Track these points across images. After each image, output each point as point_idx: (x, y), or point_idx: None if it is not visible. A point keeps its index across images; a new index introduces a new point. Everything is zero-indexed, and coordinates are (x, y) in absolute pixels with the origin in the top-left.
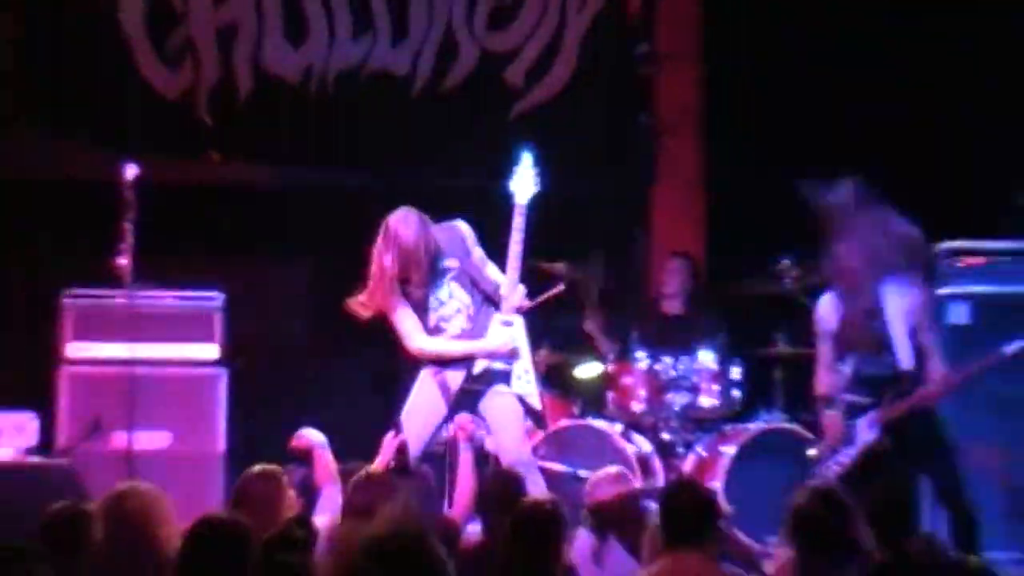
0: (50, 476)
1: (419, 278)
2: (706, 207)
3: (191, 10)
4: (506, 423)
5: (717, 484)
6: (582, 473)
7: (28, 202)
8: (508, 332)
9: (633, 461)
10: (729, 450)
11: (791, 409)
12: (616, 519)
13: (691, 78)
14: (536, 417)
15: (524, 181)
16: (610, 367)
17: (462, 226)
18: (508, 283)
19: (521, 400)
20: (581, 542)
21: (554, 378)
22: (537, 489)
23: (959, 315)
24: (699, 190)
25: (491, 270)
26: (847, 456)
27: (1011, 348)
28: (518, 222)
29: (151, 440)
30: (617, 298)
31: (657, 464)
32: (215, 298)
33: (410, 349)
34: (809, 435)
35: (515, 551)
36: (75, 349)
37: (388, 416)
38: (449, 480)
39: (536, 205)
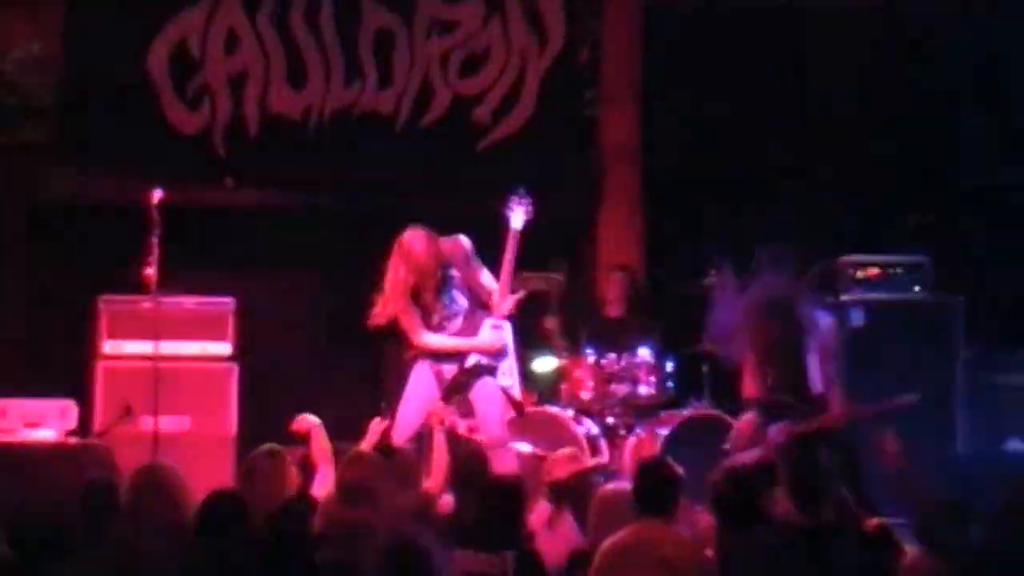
0: (87, 454)
1: (432, 285)
2: (644, 224)
3: (207, 59)
4: (490, 409)
5: None
6: (540, 452)
7: (70, 221)
8: (498, 333)
9: (583, 441)
10: (663, 432)
11: (716, 398)
12: (570, 493)
13: (631, 117)
14: (517, 407)
15: (519, 210)
16: (563, 362)
17: (464, 240)
18: (500, 293)
19: (505, 392)
20: (540, 512)
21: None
22: (508, 464)
23: (856, 319)
24: (638, 210)
25: (485, 277)
26: (751, 455)
27: (907, 399)
28: (511, 244)
29: (173, 424)
30: (569, 303)
31: (603, 444)
32: (228, 303)
33: (415, 343)
34: (731, 420)
35: (483, 518)
36: (109, 346)
37: (374, 404)
38: (426, 459)
39: (497, 223)
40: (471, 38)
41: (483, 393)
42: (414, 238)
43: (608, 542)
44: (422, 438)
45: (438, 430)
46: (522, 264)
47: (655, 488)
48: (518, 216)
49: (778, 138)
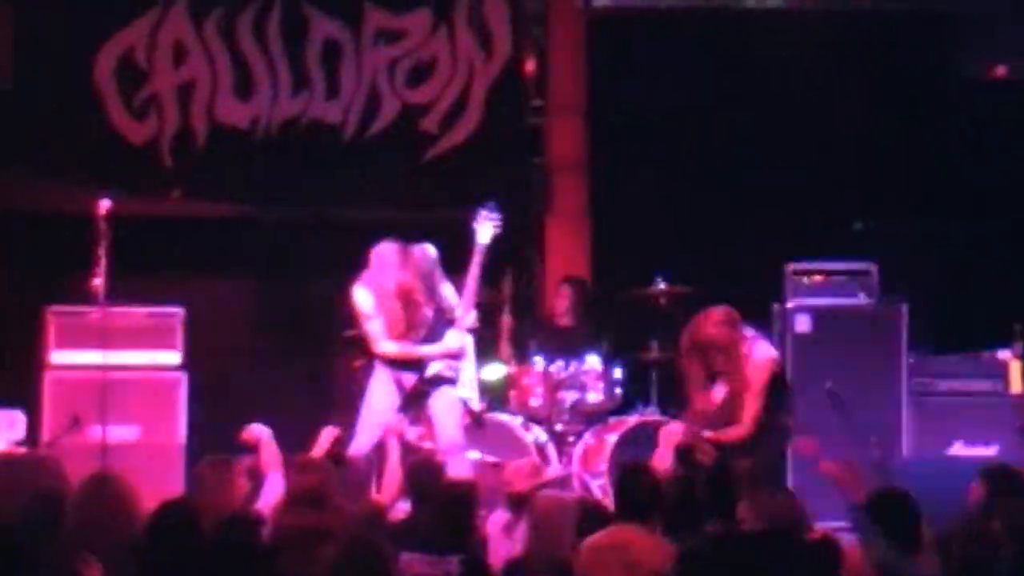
0: (36, 465)
1: (423, 298)
2: (591, 233)
3: (154, 69)
4: (447, 418)
5: (602, 466)
6: (489, 459)
7: (17, 231)
8: (458, 338)
9: (532, 448)
10: (612, 438)
11: (664, 404)
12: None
13: (578, 127)
14: (476, 418)
15: (486, 224)
16: (512, 370)
17: (431, 250)
18: (464, 307)
19: (464, 403)
20: (497, 518)
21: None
22: (464, 471)
23: (802, 325)
24: (585, 220)
25: (447, 290)
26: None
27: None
28: (477, 258)
29: (122, 434)
30: (517, 311)
31: (551, 451)
32: (176, 313)
33: (377, 352)
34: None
35: (433, 523)
36: (57, 356)
37: (323, 413)
38: (378, 470)
39: (446, 232)
40: (418, 48)
41: (442, 402)
42: (388, 250)
43: (587, 542)
44: (378, 447)
45: (393, 443)
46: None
47: (634, 493)
48: (486, 230)
49: (724, 145)
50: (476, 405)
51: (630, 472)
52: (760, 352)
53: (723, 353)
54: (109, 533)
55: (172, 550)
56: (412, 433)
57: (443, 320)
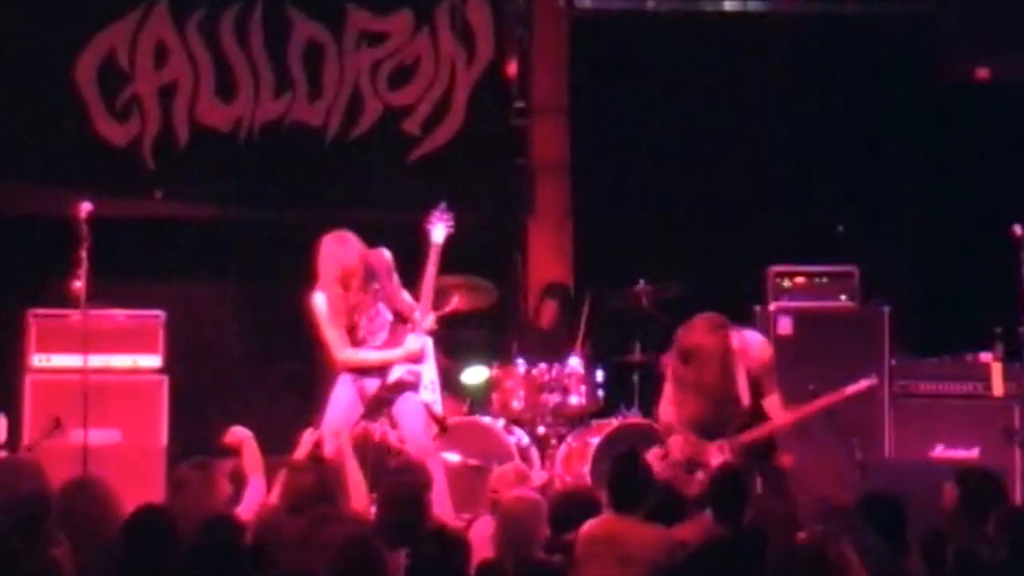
0: (16, 468)
1: (357, 285)
2: (573, 235)
3: (136, 71)
4: (413, 422)
5: (585, 468)
6: (471, 462)
7: None
8: (416, 341)
9: (514, 451)
10: (594, 441)
11: (646, 407)
12: None
13: (560, 128)
14: (439, 422)
15: (440, 225)
16: (494, 372)
17: (386, 254)
18: (422, 309)
19: (427, 407)
20: (482, 525)
21: (445, 382)
22: (437, 474)
23: (784, 327)
24: (567, 221)
25: (404, 294)
26: (703, 475)
27: (852, 388)
28: (433, 258)
29: (103, 437)
30: (499, 314)
31: (534, 453)
32: (158, 316)
33: (336, 359)
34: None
35: (385, 517)
36: (38, 359)
37: (305, 416)
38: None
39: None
40: (400, 49)
41: (405, 407)
42: (337, 238)
43: (582, 531)
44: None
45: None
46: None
47: (627, 483)
48: (439, 231)
49: (707, 147)
50: (439, 409)
51: (623, 462)
52: (756, 337)
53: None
54: (90, 538)
55: (148, 555)
56: (393, 436)
57: (402, 324)
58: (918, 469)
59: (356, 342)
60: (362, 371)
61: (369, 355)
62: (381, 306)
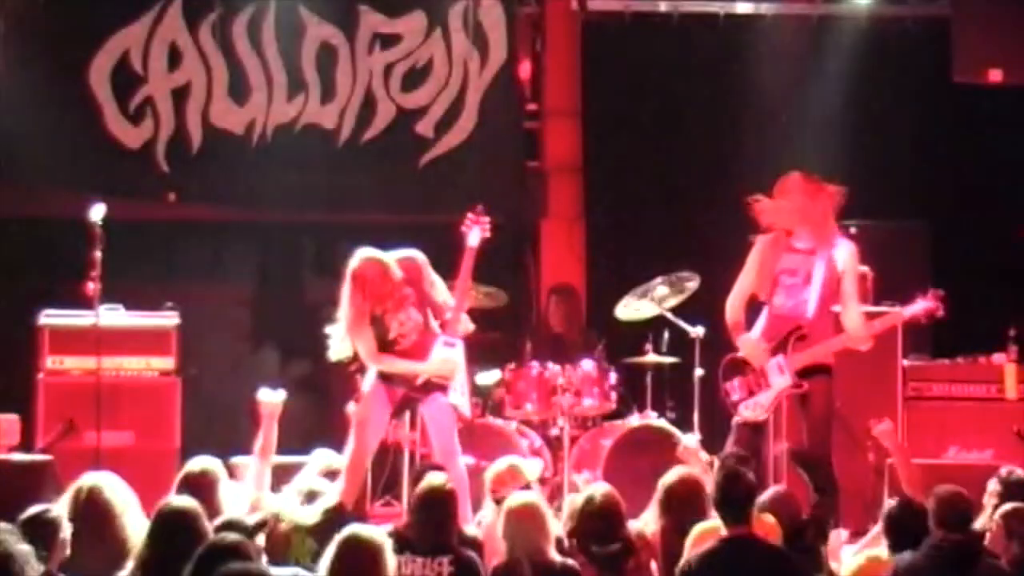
0: (30, 470)
1: (390, 307)
2: (586, 236)
3: (149, 74)
4: (441, 425)
5: (597, 471)
6: (485, 464)
7: (12, 236)
8: (450, 352)
9: (527, 454)
10: (607, 443)
11: (659, 408)
12: None
13: (573, 130)
14: (468, 424)
15: (476, 228)
16: (507, 375)
17: (419, 256)
18: (455, 311)
19: (455, 409)
20: (487, 522)
21: None
22: (460, 477)
23: None
24: (580, 223)
25: (441, 292)
26: (765, 399)
27: (909, 310)
28: (468, 262)
29: (116, 439)
30: (513, 316)
31: (546, 456)
32: (171, 318)
33: (370, 363)
34: (674, 429)
35: (422, 526)
36: (51, 361)
37: (319, 417)
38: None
39: (442, 236)
40: (413, 52)
41: (433, 408)
42: (367, 267)
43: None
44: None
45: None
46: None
47: (737, 496)
48: (475, 234)
49: (718, 148)
50: (467, 411)
51: (731, 479)
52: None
53: None
54: (103, 535)
55: (170, 551)
56: (405, 439)
57: (435, 325)
58: (932, 472)
59: (387, 345)
60: (390, 377)
61: (400, 364)
62: (412, 310)
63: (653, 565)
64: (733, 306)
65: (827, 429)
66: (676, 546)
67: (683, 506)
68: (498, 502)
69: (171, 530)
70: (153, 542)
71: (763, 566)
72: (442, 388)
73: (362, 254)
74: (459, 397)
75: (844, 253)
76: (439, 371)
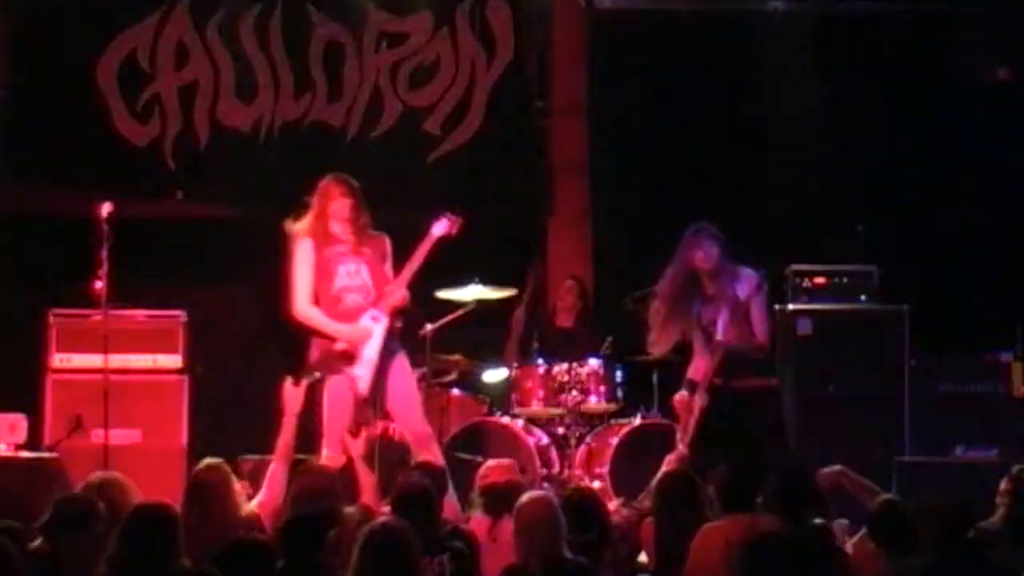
0: (38, 468)
1: (350, 245)
2: (593, 235)
3: (157, 71)
4: (408, 409)
5: (604, 469)
6: (491, 462)
7: (19, 234)
8: (372, 325)
9: (534, 451)
10: (614, 441)
11: (665, 406)
12: (505, 501)
13: (580, 128)
14: (362, 403)
15: (444, 222)
16: (514, 372)
17: (387, 239)
18: (396, 284)
19: (355, 381)
20: (478, 523)
21: (467, 381)
22: (437, 459)
23: (804, 327)
24: (587, 221)
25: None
26: (691, 424)
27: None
28: (424, 246)
29: (124, 436)
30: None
31: (554, 454)
32: (179, 316)
33: (293, 310)
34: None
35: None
36: (59, 359)
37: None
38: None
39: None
40: (420, 50)
41: (398, 394)
42: (339, 182)
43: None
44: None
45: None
46: (466, 276)
47: (740, 485)
48: (441, 226)
49: (726, 146)
50: (364, 388)
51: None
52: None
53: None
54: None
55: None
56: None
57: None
58: (938, 469)
59: (331, 297)
60: (344, 364)
61: (321, 320)
62: (365, 271)
63: (644, 557)
64: None
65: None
66: (670, 541)
67: (677, 501)
68: (483, 492)
69: (145, 531)
70: (125, 542)
71: None
72: (349, 359)
73: (335, 174)
74: (362, 370)
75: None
76: (351, 337)
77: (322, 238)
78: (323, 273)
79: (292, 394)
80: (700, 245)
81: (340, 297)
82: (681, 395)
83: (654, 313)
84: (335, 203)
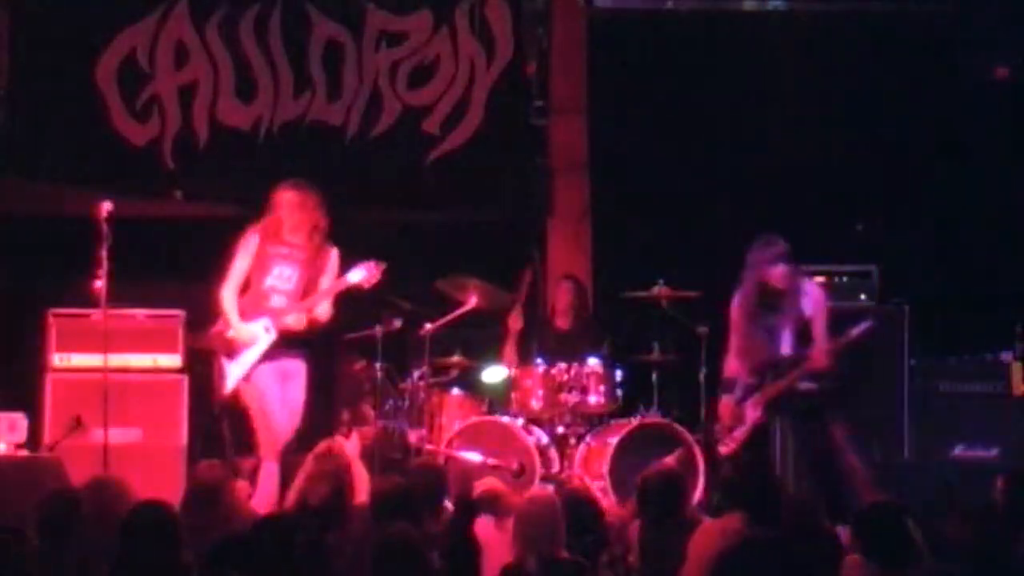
0: (38, 467)
1: (295, 249)
2: (592, 234)
3: (156, 71)
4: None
5: (604, 468)
6: (491, 461)
7: (19, 234)
8: (260, 333)
9: (533, 451)
10: (613, 440)
11: (664, 406)
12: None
13: (579, 128)
14: (215, 397)
15: (361, 271)
16: (513, 372)
17: (334, 252)
18: (306, 302)
19: (220, 377)
20: (483, 527)
21: (466, 381)
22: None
23: None
24: (586, 220)
25: (319, 293)
26: (739, 432)
27: (856, 330)
28: (337, 283)
29: (123, 436)
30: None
31: (553, 453)
32: (178, 316)
33: (218, 291)
34: (679, 427)
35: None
36: (59, 359)
37: (327, 414)
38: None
39: (448, 233)
40: (420, 49)
41: (284, 401)
42: (299, 192)
43: None
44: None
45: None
46: (466, 275)
47: (738, 487)
48: (358, 273)
49: (725, 145)
50: (227, 387)
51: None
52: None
53: None
54: (110, 537)
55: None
56: (413, 436)
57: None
58: (938, 469)
59: (263, 292)
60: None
61: (228, 307)
62: (300, 277)
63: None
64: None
65: None
66: (653, 541)
67: (660, 501)
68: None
69: (145, 531)
70: (126, 542)
71: None
72: (230, 351)
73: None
74: (235, 368)
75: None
76: (238, 334)
77: (271, 237)
78: (260, 268)
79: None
80: (776, 263)
81: (267, 295)
82: (727, 400)
83: (735, 332)
84: (298, 215)
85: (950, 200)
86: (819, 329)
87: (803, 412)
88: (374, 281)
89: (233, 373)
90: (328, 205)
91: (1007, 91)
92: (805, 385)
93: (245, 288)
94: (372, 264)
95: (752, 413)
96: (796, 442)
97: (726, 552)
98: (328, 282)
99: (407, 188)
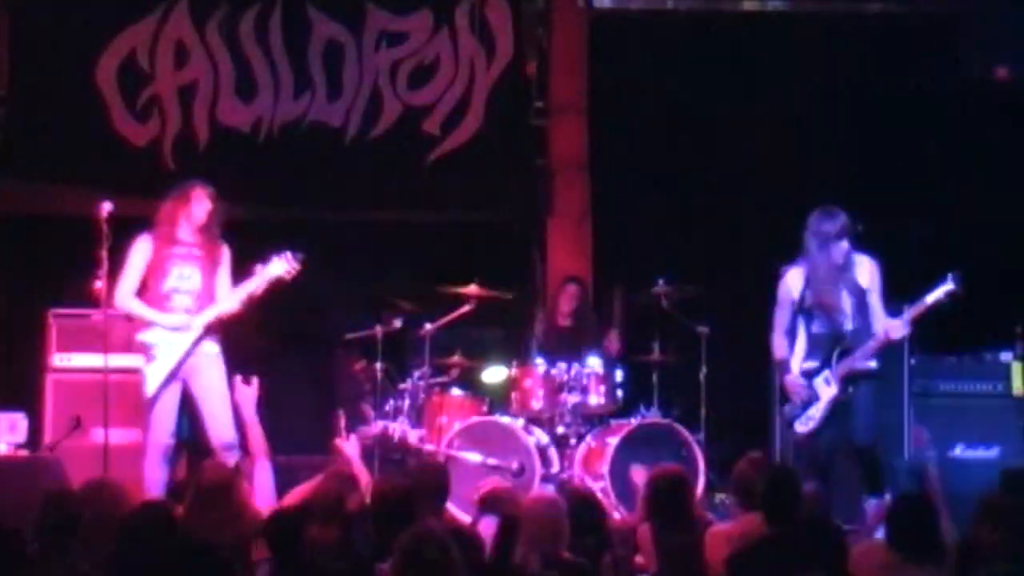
0: (38, 467)
1: (190, 249)
2: (592, 234)
3: (157, 71)
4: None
5: (604, 468)
6: (491, 461)
7: (19, 234)
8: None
9: (533, 451)
10: (613, 440)
11: (665, 406)
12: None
13: (579, 128)
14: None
15: (281, 262)
16: (513, 371)
17: (226, 248)
18: (226, 300)
19: (140, 376)
20: (486, 526)
21: (466, 381)
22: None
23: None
24: (586, 220)
25: (221, 290)
26: (818, 411)
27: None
28: (257, 280)
29: (124, 437)
30: (518, 313)
31: (553, 453)
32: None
33: (114, 297)
34: (680, 427)
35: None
36: (59, 359)
37: (327, 414)
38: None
39: (449, 235)
40: (420, 50)
41: (206, 398)
42: (203, 193)
43: None
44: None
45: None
46: (466, 276)
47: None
48: (279, 267)
49: (725, 145)
50: (148, 388)
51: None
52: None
53: None
54: (108, 539)
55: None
56: (413, 436)
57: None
58: (938, 469)
59: (162, 295)
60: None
61: (142, 309)
62: (202, 278)
63: (641, 559)
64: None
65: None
66: (667, 543)
67: (670, 502)
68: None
69: (145, 531)
70: (125, 542)
71: None
72: (147, 352)
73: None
74: (154, 370)
75: (868, 269)
76: (168, 325)
77: (164, 238)
78: (156, 271)
79: (243, 393)
80: (842, 237)
81: (168, 296)
82: (792, 379)
83: (781, 309)
84: (197, 207)
85: (950, 200)
86: (876, 300)
87: (873, 388)
88: (294, 272)
89: (152, 375)
90: (328, 205)
91: (1007, 91)
92: (867, 363)
93: (139, 293)
94: (289, 255)
95: (827, 389)
96: (869, 415)
97: (746, 552)
98: (225, 278)
99: (407, 188)
